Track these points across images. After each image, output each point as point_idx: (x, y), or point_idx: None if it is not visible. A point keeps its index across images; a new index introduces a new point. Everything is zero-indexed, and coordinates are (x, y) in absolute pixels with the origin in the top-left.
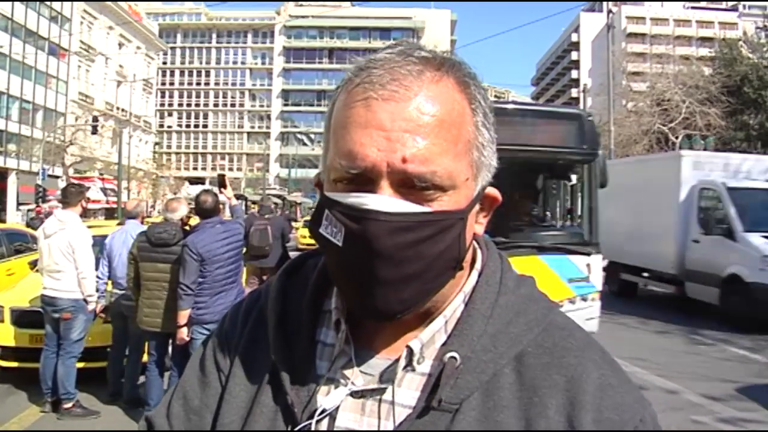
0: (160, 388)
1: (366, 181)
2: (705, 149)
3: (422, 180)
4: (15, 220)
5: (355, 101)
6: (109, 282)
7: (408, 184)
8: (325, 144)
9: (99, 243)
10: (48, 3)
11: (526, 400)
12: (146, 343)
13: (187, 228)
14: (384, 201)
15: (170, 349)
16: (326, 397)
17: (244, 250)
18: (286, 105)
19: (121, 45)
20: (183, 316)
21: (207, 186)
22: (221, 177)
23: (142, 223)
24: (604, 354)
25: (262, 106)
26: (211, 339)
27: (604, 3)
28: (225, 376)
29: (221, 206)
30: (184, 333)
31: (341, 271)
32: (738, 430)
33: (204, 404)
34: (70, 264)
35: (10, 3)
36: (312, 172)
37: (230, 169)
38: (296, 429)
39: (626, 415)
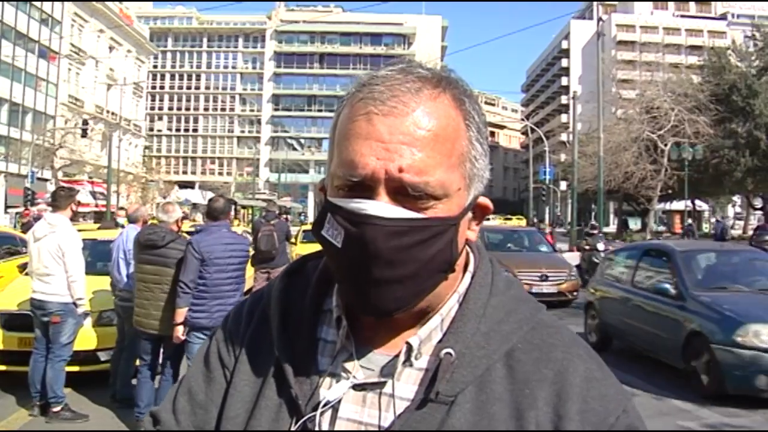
0: (150, 391)
1: (365, 188)
2: (693, 157)
3: (416, 189)
4: (3, 222)
5: (357, 115)
6: None
7: (403, 192)
8: (330, 153)
9: (88, 246)
10: (38, 5)
11: (517, 393)
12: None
13: (179, 232)
14: (381, 207)
15: (161, 352)
16: (329, 390)
17: (252, 252)
18: (276, 109)
19: (111, 48)
20: (180, 314)
21: (197, 190)
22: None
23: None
24: (589, 350)
25: (252, 110)
26: (214, 336)
27: (594, 11)
28: (230, 372)
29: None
30: (179, 331)
31: (341, 271)
32: None
33: (209, 399)
34: (60, 267)
35: None
36: (302, 177)
37: (220, 174)
38: (301, 420)
39: (611, 406)
